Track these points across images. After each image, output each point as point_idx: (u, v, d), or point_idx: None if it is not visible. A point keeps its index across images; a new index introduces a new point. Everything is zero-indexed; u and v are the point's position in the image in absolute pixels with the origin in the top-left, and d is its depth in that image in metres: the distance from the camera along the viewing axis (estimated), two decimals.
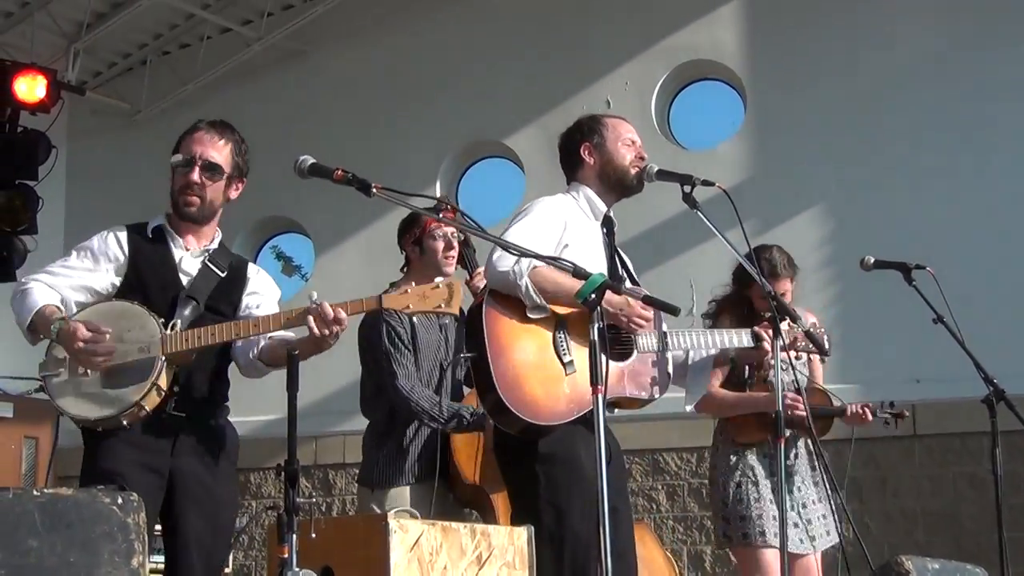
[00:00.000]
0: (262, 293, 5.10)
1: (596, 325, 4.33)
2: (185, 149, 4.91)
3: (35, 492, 3.25)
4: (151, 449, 4.69)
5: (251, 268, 5.15)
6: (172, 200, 4.95)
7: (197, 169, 4.87)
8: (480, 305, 4.96)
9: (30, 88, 10.67)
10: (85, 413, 4.61)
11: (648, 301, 4.91)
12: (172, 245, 4.93)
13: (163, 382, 4.64)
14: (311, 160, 4.43)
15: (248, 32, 12.59)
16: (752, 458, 6.37)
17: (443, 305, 4.72)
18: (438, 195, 11.50)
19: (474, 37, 12.22)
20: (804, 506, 6.39)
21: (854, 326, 10.14)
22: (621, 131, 5.42)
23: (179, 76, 12.77)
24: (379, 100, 12.34)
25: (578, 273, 4.42)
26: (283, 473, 4.12)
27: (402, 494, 5.64)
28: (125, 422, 4.61)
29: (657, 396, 5.33)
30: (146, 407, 4.62)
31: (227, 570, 10.22)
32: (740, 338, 5.64)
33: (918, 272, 6.43)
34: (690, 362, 5.63)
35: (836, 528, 6.45)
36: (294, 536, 4.05)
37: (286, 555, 4.03)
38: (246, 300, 5.04)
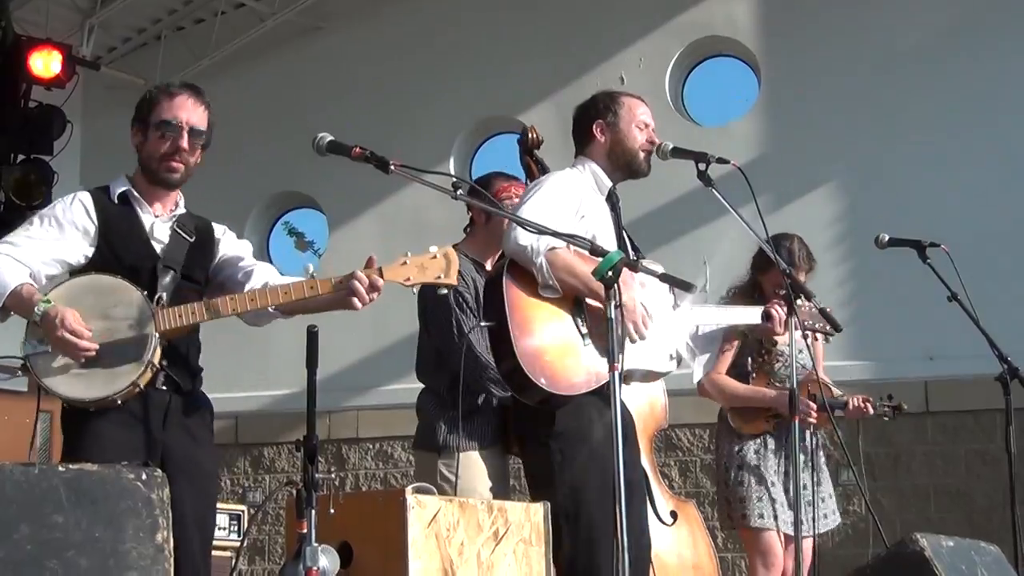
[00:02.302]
0: (234, 246, 4.98)
1: (612, 303, 4.34)
2: (167, 112, 4.72)
3: (60, 468, 3.27)
4: (142, 427, 4.57)
5: (217, 229, 4.97)
6: (147, 163, 4.76)
7: (185, 135, 4.72)
8: (500, 275, 4.98)
9: (45, 63, 10.69)
10: (79, 393, 4.46)
11: (664, 278, 4.93)
12: (140, 211, 4.76)
13: (156, 358, 4.54)
14: (329, 137, 4.43)
15: (262, 7, 12.59)
16: (754, 444, 6.41)
17: (442, 276, 4.68)
18: (452, 171, 11.52)
19: (488, 13, 12.21)
20: (805, 487, 6.40)
21: (868, 303, 10.17)
22: (636, 112, 5.40)
23: (194, 51, 12.76)
24: (393, 76, 12.34)
25: (595, 250, 4.43)
26: (302, 449, 4.13)
27: (470, 458, 5.59)
28: (119, 400, 4.50)
29: (672, 370, 5.37)
30: (141, 385, 4.51)
31: (243, 544, 10.27)
32: (751, 315, 5.67)
33: (932, 250, 6.44)
34: (699, 333, 5.65)
35: (836, 511, 6.55)
36: (313, 511, 4.06)
37: (304, 530, 4.05)
38: (226, 258, 4.91)
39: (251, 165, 12.31)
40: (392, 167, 4.34)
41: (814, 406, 6.28)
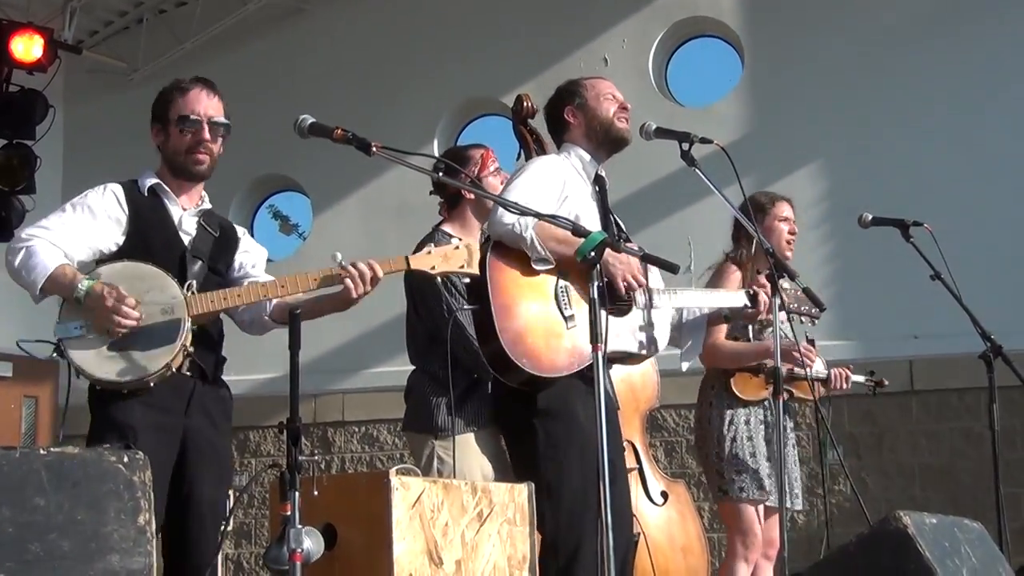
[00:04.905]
0: (253, 252, 5.12)
1: (595, 283, 4.35)
2: (187, 107, 4.88)
3: (42, 451, 3.27)
4: (166, 409, 4.68)
5: (238, 229, 5.17)
6: (173, 159, 4.91)
7: (206, 126, 4.88)
8: (484, 257, 4.99)
9: (27, 47, 10.66)
10: (113, 376, 4.55)
11: (647, 259, 4.93)
12: (169, 203, 4.90)
13: (188, 342, 4.65)
14: (311, 119, 4.44)
15: None
16: (745, 413, 6.38)
17: (465, 265, 4.82)
18: (436, 153, 11.50)
19: None
20: (784, 464, 6.41)
21: (852, 282, 10.18)
22: (601, 88, 5.46)
23: (176, 35, 12.73)
24: (377, 58, 12.32)
25: (577, 231, 4.44)
26: (286, 431, 4.12)
27: (468, 441, 5.58)
28: (152, 383, 4.60)
29: (654, 352, 5.38)
30: (174, 368, 4.63)
31: (227, 528, 10.28)
32: (734, 299, 5.66)
33: (916, 229, 6.45)
34: (684, 320, 5.65)
35: (802, 494, 6.58)
36: (296, 494, 4.06)
37: (288, 512, 4.05)
38: (240, 259, 5.05)
39: (234, 148, 12.05)
40: (374, 149, 4.34)
41: (814, 350, 6.30)
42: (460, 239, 4.86)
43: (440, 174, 5.01)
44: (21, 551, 3.14)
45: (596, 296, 4.35)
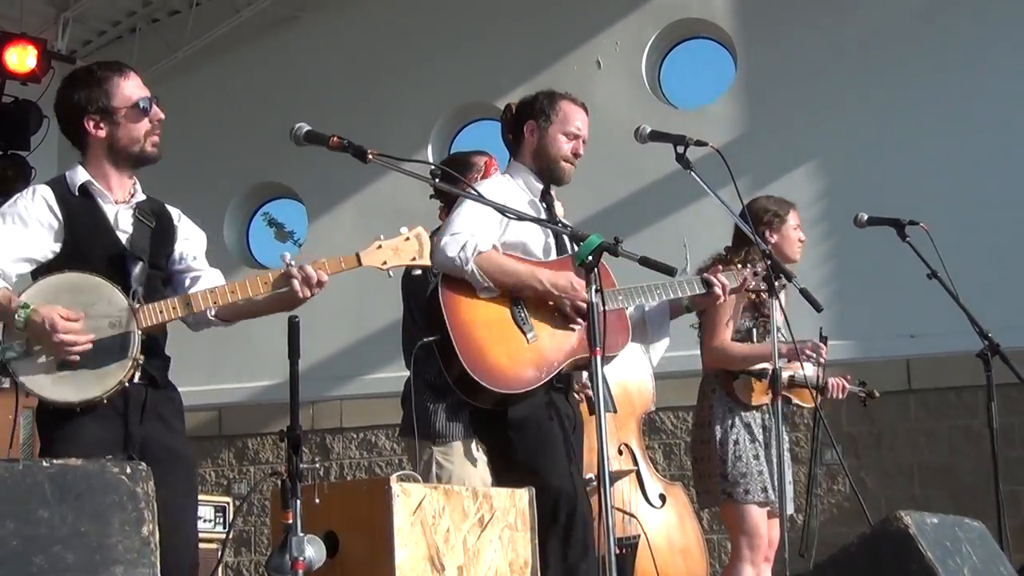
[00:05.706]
0: (192, 239, 4.91)
1: (593, 287, 4.36)
2: (135, 92, 4.66)
3: (44, 463, 3.26)
4: (120, 422, 4.54)
5: (174, 213, 4.90)
6: (127, 148, 4.67)
7: (157, 108, 4.69)
8: (436, 288, 4.99)
9: (20, 58, 10.67)
10: (67, 396, 4.40)
11: (644, 262, 4.93)
12: (101, 202, 4.66)
13: (139, 355, 4.50)
14: (307, 127, 4.44)
15: None
16: (746, 417, 6.36)
17: (417, 257, 4.69)
18: (430, 159, 11.51)
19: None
20: (788, 466, 6.40)
21: (849, 282, 10.20)
22: (569, 119, 5.36)
23: (169, 43, 12.71)
24: (369, 64, 12.32)
25: (575, 236, 4.45)
26: (286, 439, 4.12)
27: (466, 446, 5.59)
28: (105, 400, 4.45)
29: (620, 352, 5.33)
30: (127, 383, 4.48)
31: (229, 536, 10.26)
32: (691, 287, 5.59)
33: (912, 228, 6.46)
34: (646, 312, 5.62)
35: (795, 499, 6.56)
36: (298, 502, 4.07)
37: (290, 521, 4.05)
38: (180, 249, 4.84)
39: (229, 156, 12.29)
40: (370, 156, 4.35)
41: (824, 347, 6.28)
42: (409, 228, 4.74)
43: (437, 180, 5.01)
44: (26, 564, 3.13)
45: (593, 299, 4.36)
